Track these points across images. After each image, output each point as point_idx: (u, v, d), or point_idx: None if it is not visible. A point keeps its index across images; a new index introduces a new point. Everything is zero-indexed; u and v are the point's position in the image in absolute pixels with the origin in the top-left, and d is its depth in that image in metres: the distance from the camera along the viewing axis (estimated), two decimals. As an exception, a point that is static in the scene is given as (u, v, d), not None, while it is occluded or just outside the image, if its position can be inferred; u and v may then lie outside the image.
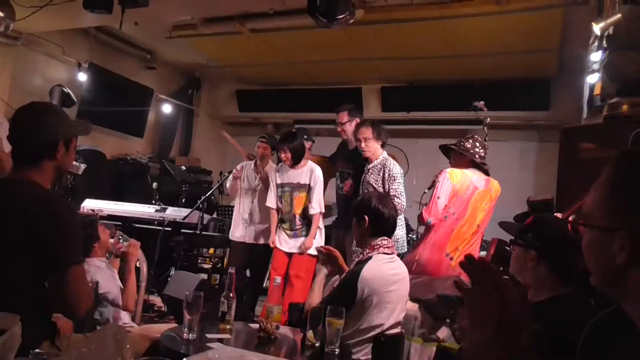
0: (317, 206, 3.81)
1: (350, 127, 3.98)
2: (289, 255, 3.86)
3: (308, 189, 3.84)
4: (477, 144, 3.12)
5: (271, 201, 3.98)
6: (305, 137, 4.36)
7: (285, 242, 3.90)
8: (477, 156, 3.09)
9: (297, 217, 3.85)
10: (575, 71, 4.88)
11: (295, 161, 3.85)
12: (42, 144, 1.60)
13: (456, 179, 3.04)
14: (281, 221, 3.95)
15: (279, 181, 3.94)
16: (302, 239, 3.84)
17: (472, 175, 3.07)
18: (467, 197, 3.03)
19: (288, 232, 3.89)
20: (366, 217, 2.26)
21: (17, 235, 1.47)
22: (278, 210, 3.96)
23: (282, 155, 3.84)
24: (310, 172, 3.87)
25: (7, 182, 1.59)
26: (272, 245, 3.92)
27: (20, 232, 1.47)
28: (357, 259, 2.31)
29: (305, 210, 3.85)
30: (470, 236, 3.01)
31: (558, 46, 5.03)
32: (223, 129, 5.70)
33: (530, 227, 1.65)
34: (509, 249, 2.41)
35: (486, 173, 3.12)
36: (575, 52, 4.63)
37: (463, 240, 3.00)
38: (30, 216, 1.48)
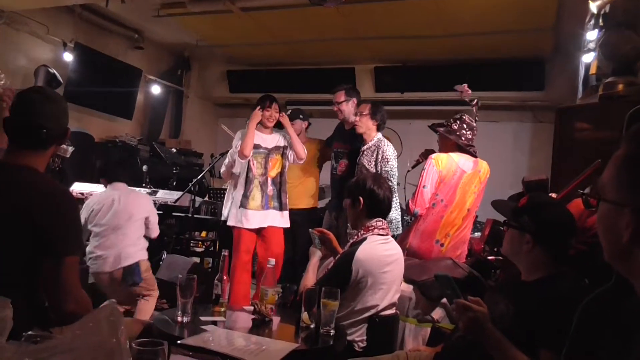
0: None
1: (347, 107, 3.97)
2: (257, 231, 3.72)
3: (283, 150, 3.79)
4: (465, 126, 3.08)
5: (238, 151, 3.70)
6: (301, 116, 4.36)
7: (252, 219, 3.67)
8: (463, 138, 3.06)
9: (270, 180, 3.75)
10: (571, 50, 4.87)
11: (277, 123, 3.79)
12: (58, 130, 1.60)
13: (442, 165, 3.01)
14: (244, 196, 3.71)
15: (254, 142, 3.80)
16: (273, 211, 3.72)
17: (458, 159, 3.05)
18: (454, 182, 3.00)
19: (256, 204, 3.70)
20: (361, 199, 2.27)
21: (17, 220, 1.45)
22: (243, 177, 3.76)
23: (269, 112, 3.69)
24: (282, 135, 3.83)
25: (7, 166, 1.56)
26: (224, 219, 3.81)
27: (21, 218, 1.45)
28: (351, 241, 2.32)
29: (279, 175, 3.78)
30: (461, 221, 3.00)
31: (553, 25, 5.00)
32: (220, 122, 5.71)
33: (525, 209, 1.65)
34: (503, 229, 2.43)
35: (473, 155, 3.09)
36: (571, 30, 4.62)
37: (453, 226, 2.99)
38: (33, 204, 1.46)
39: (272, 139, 3.81)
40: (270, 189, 3.75)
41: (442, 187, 3.01)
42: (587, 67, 3.81)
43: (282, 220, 3.77)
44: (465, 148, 3.05)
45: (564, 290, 1.51)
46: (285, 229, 3.82)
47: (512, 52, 5.73)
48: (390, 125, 6.68)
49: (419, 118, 6.35)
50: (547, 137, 4.45)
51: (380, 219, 2.29)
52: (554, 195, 2.53)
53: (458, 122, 3.10)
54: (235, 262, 3.68)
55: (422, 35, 5.57)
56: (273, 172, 3.78)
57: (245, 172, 3.76)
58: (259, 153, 3.76)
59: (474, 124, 3.13)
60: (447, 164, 3.02)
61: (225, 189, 4.70)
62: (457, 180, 3.01)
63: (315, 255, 2.44)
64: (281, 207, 3.77)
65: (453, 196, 3.00)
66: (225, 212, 4.24)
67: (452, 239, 2.98)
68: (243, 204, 3.69)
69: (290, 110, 4.37)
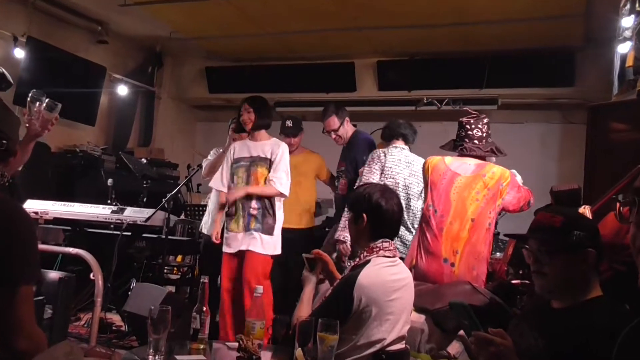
0: (278, 183, 3.66)
1: (343, 130, 4.24)
2: (239, 255, 3.73)
3: (269, 163, 3.72)
4: (466, 126, 3.16)
5: (217, 182, 3.90)
6: (301, 128, 4.54)
7: (233, 242, 3.74)
8: (459, 139, 3.15)
9: (255, 198, 3.71)
10: (604, 40, 4.91)
11: (258, 125, 3.77)
12: (16, 142, 1.66)
13: (430, 170, 3.11)
14: (227, 215, 3.81)
15: (235, 156, 3.85)
16: (255, 233, 3.68)
17: (451, 161, 3.09)
18: (444, 187, 3.03)
19: (235, 228, 3.74)
20: (364, 215, 2.25)
21: None
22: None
23: (245, 116, 3.76)
24: (274, 145, 3.78)
25: None
26: (215, 241, 3.86)
27: None
28: (352, 264, 2.32)
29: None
30: (467, 233, 2.98)
31: (584, 11, 5.06)
32: (195, 150, 5.80)
33: (571, 224, 1.64)
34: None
35: (480, 157, 3.11)
36: (604, 17, 4.66)
37: (459, 240, 2.97)
38: None
39: (258, 147, 3.80)
40: (254, 207, 3.70)
41: (433, 195, 3.06)
42: (623, 58, 3.84)
43: (263, 245, 3.67)
44: (460, 149, 3.12)
45: (602, 317, 1.51)
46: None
47: (537, 42, 5.79)
48: (396, 128, 6.69)
49: (430, 120, 6.38)
50: (578, 140, 4.48)
51: (388, 240, 2.28)
52: (588, 207, 2.54)
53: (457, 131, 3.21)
54: (221, 290, 3.79)
55: (432, 23, 5.62)
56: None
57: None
58: (240, 166, 3.80)
59: (466, 121, 3.16)
60: (434, 166, 3.10)
61: (206, 205, 4.71)
62: (448, 185, 3.03)
63: (310, 282, 2.43)
64: (264, 230, 3.69)
65: (447, 204, 3.01)
66: (204, 225, 4.32)
67: (462, 256, 2.97)
68: (226, 226, 3.79)
69: (291, 122, 4.44)
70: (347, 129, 4.26)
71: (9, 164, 1.71)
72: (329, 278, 2.39)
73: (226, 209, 3.82)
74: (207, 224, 4.37)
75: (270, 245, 3.70)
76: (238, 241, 3.71)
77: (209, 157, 4.42)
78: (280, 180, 3.67)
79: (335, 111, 4.20)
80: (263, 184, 3.71)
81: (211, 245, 4.29)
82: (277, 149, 3.74)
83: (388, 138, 3.99)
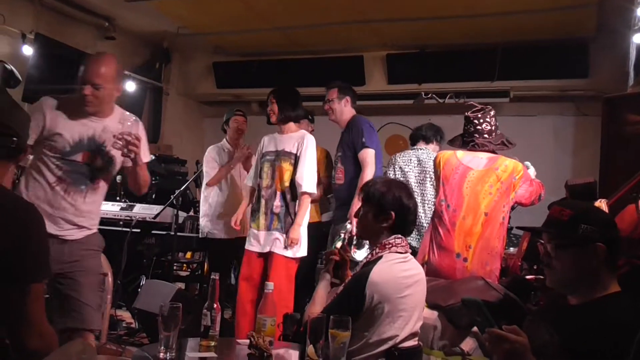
0: (306, 183, 3.58)
1: (338, 106, 4.15)
2: (264, 255, 3.66)
3: (295, 159, 3.65)
4: (466, 125, 3.16)
5: (250, 178, 3.93)
6: (309, 117, 4.51)
7: (256, 240, 3.68)
8: (468, 134, 3.15)
9: (279, 194, 3.64)
10: (619, 30, 4.86)
11: (283, 117, 3.70)
12: (26, 140, 1.67)
13: (441, 165, 3.12)
14: (252, 211, 3.77)
15: (263, 150, 3.80)
16: (277, 234, 3.59)
17: (462, 155, 3.09)
18: (457, 181, 3.03)
19: (261, 223, 3.67)
20: (392, 214, 2.24)
21: None
22: (256, 190, 3.80)
23: (269, 108, 3.74)
24: (300, 139, 3.69)
25: None
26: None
27: None
28: (364, 260, 2.32)
29: (291, 188, 3.64)
30: (481, 228, 2.97)
31: (597, 0, 5.01)
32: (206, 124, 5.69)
33: (579, 218, 1.62)
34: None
35: (491, 151, 3.10)
36: (619, 6, 4.62)
37: (472, 235, 2.96)
38: None
39: (284, 141, 3.72)
40: (277, 204, 3.63)
41: (445, 189, 3.06)
42: (639, 48, 3.82)
43: (286, 246, 3.57)
44: (469, 144, 3.11)
45: (618, 313, 1.50)
46: None
47: (549, 33, 5.74)
48: (406, 122, 6.73)
49: (440, 113, 6.34)
50: (593, 132, 4.45)
51: (401, 236, 2.27)
52: (604, 200, 2.52)
53: (464, 121, 3.19)
54: (238, 288, 3.78)
55: (442, 15, 5.59)
56: (281, 184, 3.65)
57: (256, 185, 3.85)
58: (265, 161, 3.74)
59: (473, 116, 3.14)
60: (446, 161, 3.11)
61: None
62: (460, 179, 3.03)
63: (323, 280, 2.43)
64: (285, 230, 3.59)
65: (460, 198, 3.00)
66: (204, 224, 4.34)
67: (476, 251, 2.95)
68: (251, 224, 3.77)
69: None
70: (343, 109, 4.12)
71: (20, 161, 1.71)
72: (341, 280, 2.40)
73: (252, 204, 3.83)
74: (214, 229, 4.35)
75: (294, 246, 3.60)
76: (260, 241, 3.65)
77: (208, 153, 4.43)
78: (304, 180, 3.59)
79: (340, 86, 4.17)
80: (287, 180, 3.65)
81: (216, 246, 4.30)
82: (303, 143, 3.66)
83: (413, 144, 4.31)
